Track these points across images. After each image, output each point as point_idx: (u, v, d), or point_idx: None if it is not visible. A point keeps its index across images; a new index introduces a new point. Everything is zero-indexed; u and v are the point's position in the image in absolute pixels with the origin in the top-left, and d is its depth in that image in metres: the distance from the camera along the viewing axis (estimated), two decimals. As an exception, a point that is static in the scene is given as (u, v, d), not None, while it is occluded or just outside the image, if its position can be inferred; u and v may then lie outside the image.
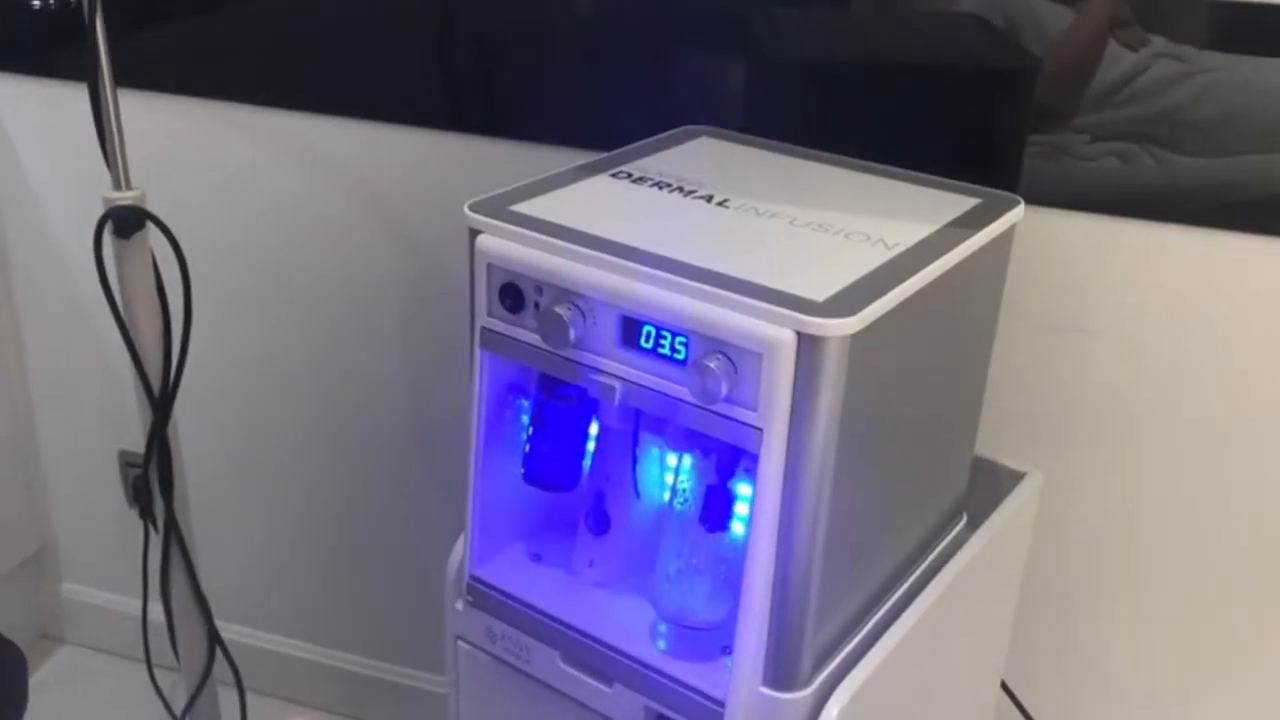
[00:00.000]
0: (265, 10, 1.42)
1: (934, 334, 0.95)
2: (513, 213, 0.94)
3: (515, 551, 1.06)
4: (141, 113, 1.45)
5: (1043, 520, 1.27)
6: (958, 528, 1.12)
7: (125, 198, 1.16)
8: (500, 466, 1.01)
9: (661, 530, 0.98)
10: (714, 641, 0.96)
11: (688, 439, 0.93)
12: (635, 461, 0.99)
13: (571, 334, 0.88)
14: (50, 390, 1.75)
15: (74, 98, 1.49)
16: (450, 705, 1.11)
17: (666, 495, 0.97)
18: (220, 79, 1.46)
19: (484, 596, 1.03)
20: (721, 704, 0.91)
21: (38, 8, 1.52)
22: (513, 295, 0.92)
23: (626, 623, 0.98)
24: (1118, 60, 1.15)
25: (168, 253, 1.19)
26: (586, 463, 1.00)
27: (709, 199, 0.98)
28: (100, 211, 1.17)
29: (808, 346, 0.80)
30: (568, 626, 0.99)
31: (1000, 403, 1.28)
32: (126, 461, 1.74)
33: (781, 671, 0.90)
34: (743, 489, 0.92)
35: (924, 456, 1.02)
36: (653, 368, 0.86)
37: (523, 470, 0.99)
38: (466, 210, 0.94)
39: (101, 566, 1.83)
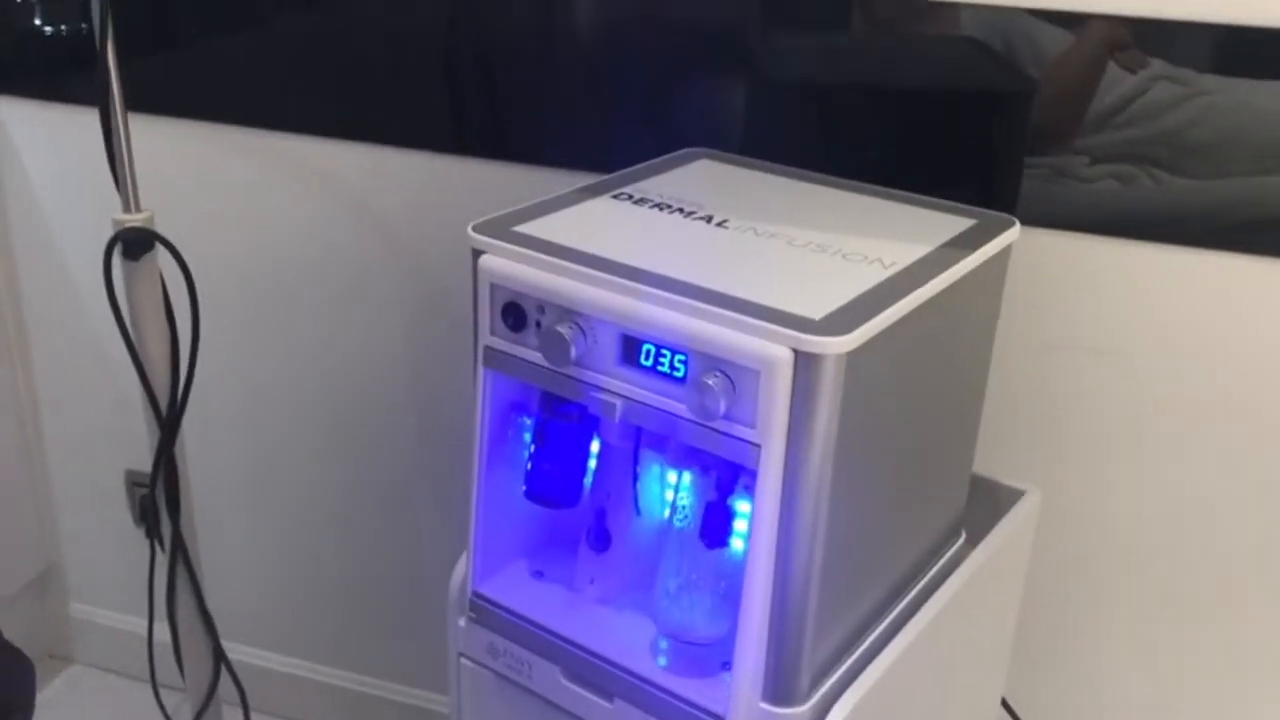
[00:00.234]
0: (272, 36, 1.44)
1: (930, 352, 0.96)
2: (515, 233, 0.95)
3: (517, 568, 1.06)
4: (150, 136, 1.47)
5: (1042, 538, 1.28)
6: (956, 545, 1.12)
7: (134, 220, 1.17)
8: (503, 484, 1.02)
9: (662, 547, 0.99)
10: (714, 657, 0.96)
11: (687, 456, 0.94)
12: (636, 479, 1.00)
13: (573, 352, 0.89)
14: (59, 410, 1.76)
15: (84, 121, 1.52)
16: (453, 722, 1.12)
17: (667, 512, 0.98)
18: (228, 103, 1.48)
19: (486, 613, 1.04)
20: (721, 719, 0.92)
21: (49, 34, 1.54)
22: (515, 314, 0.93)
23: (627, 639, 0.99)
24: (1117, 83, 1.16)
25: (176, 274, 1.21)
26: (588, 480, 1.01)
27: (709, 220, 1.00)
28: (109, 233, 1.18)
29: (804, 364, 0.81)
30: (569, 642, 0.99)
31: (1000, 421, 1.28)
32: (133, 481, 1.75)
33: (780, 687, 0.90)
34: (742, 506, 0.93)
35: (921, 473, 1.03)
36: (652, 385, 0.88)
37: (525, 487, 1.00)
38: (470, 231, 0.95)
39: (108, 586, 1.84)
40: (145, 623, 1.40)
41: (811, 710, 0.92)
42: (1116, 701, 1.38)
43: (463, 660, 1.08)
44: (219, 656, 1.37)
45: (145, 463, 1.28)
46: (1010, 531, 1.15)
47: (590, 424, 0.98)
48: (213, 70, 1.48)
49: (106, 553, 1.82)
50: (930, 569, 1.08)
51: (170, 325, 1.23)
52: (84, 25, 1.51)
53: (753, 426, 0.83)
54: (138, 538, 1.78)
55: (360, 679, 1.75)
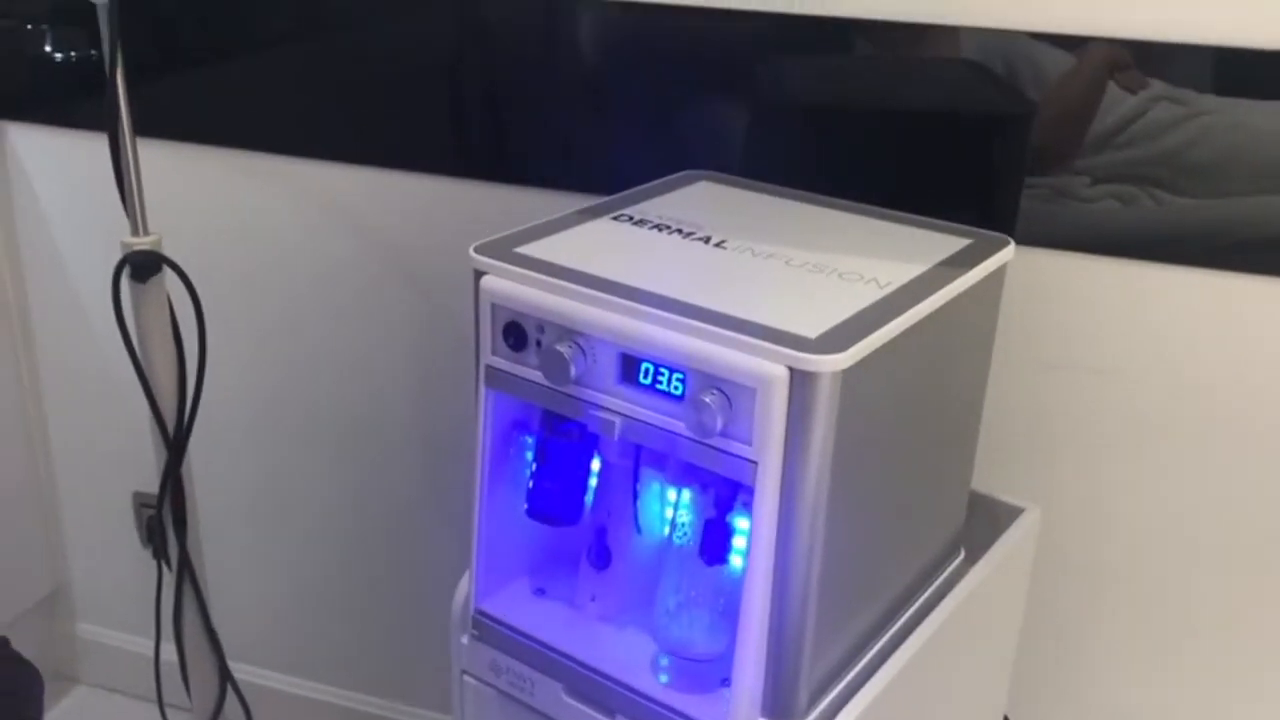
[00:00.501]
0: (278, 61, 1.46)
1: (925, 370, 0.97)
2: (516, 254, 0.96)
3: (519, 586, 1.07)
4: (158, 160, 1.48)
5: (1043, 556, 1.28)
6: (955, 562, 1.13)
7: (142, 243, 1.19)
8: (504, 502, 1.03)
9: (662, 564, 1.00)
10: (714, 673, 0.97)
11: (687, 474, 0.95)
12: (636, 496, 1.01)
13: (572, 371, 0.90)
14: (67, 432, 1.78)
15: (92, 147, 1.53)
16: (456, 740, 1.13)
17: (666, 529, 0.99)
18: (234, 127, 1.50)
19: (489, 631, 1.04)
20: (721, 735, 0.92)
21: (59, 60, 1.56)
22: (516, 334, 0.94)
23: (628, 656, 1.00)
24: (1117, 104, 1.17)
25: (183, 296, 1.22)
26: (588, 498, 1.01)
27: (707, 240, 1.01)
28: (118, 256, 1.20)
29: (800, 382, 0.82)
30: (570, 659, 1.00)
31: (1000, 439, 1.29)
32: (141, 502, 1.76)
33: (779, 703, 0.91)
34: (741, 523, 0.94)
35: (919, 490, 1.04)
36: (651, 403, 0.89)
37: (526, 505, 1.01)
38: (472, 252, 0.96)
39: (115, 607, 1.85)
40: (152, 643, 1.41)
41: (810, 726, 0.92)
42: (1119, 718, 1.38)
43: (465, 678, 1.08)
44: (225, 676, 1.37)
45: (152, 484, 1.29)
46: (1009, 548, 1.15)
47: (590, 442, 0.99)
48: (219, 95, 1.50)
49: (114, 574, 1.83)
50: (929, 586, 1.09)
51: (177, 347, 1.24)
52: (93, 52, 1.53)
53: (750, 444, 0.84)
54: (145, 559, 1.79)
55: (365, 699, 1.75)
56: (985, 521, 1.18)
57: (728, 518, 0.94)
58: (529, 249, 0.97)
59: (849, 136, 1.28)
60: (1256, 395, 1.22)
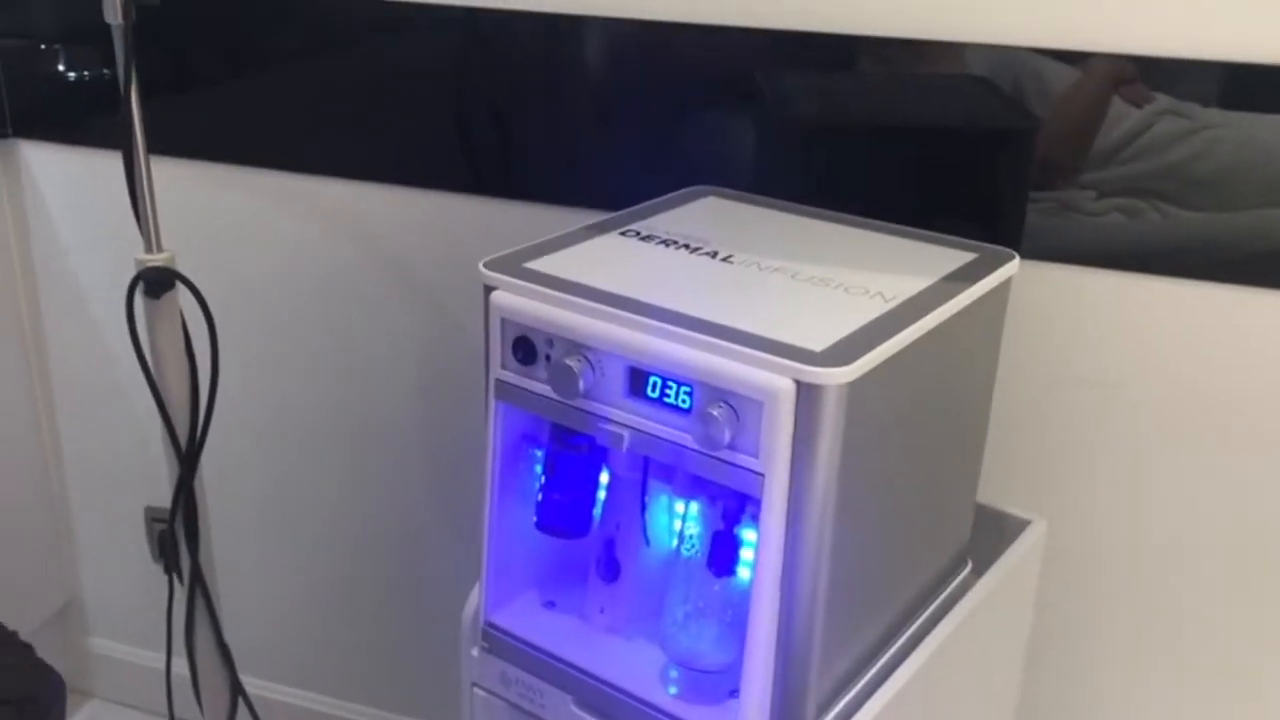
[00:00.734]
0: (289, 80, 1.47)
1: (931, 383, 0.97)
2: (525, 269, 0.97)
3: (529, 598, 1.08)
4: (170, 177, 1.50)
5: (1050, 569, 1.29)
6: (962, 574, 1.13)
7: (156, 259, 1.20)
8: (514, 515, 1.04)
9: (670, 576, 1.00)
10: (722, 685, 0.97)
11: (694, 486, 0.96)
12: (644, 509, 1.02)
13: (581, 385, 0.91)
14: (79, 447, 1.79)
15: (105, 165, 1.55)
16: (466, 752, 1.13)
17: (675, 542, 1.00)
18: (245, 145, 1.51)
19: (499, 642, 1.05)
20: (729, 746, 0.93)
21: (72, 79, 1.58)
22: (525, 348, 0.95)
23: (637, 667, 1.00)
24: (1123, 118, 1.17)
25: (196, 312, 1.23)
26: (597, 511, 1.02)
27: (714, 255, 1.02)
28: (131, 273, 1.21)
29: (806, 394, 0.83)
30: (580, 671, 1.01)
31: (1007, 452, 1.29)
32: (153, 517, 1.76)
33: (787, 713, 0.92)
34: (748, 534, 0.94)
35: (925, 502, 1.04)
36: (659, 416, 0.90)
37: (536, 518, 1.02)
38: (481, 268, 0.98)
39: (127, 621, 1.86)
40: (164, 657, 1.42)
41: (818, 736, 0.93)
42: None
43: (475, 690, 1.09)
44: (237, 689, 1.38)
45: (165, 499, 1.30)
46: (1016, 560, 1.16)
47: (599, 455, 1.00)
48: (231, 113, 1.51)
49: (126, 588, 1.84)
50: (936, 598, 1.09)
51: (190, 362, 1.25)
52: (106, 71, 1.55)
53: (757, 456, 0.85)
54: (156, 573, 1.79)
55: (375, 712, 1.76)
56: (992, 534, 1.18)
57: (735, 530, 0.95)
58: (538, 264, 0.98)
59: (855, 152, 1.28)
60: (1263, 408, 1.22)
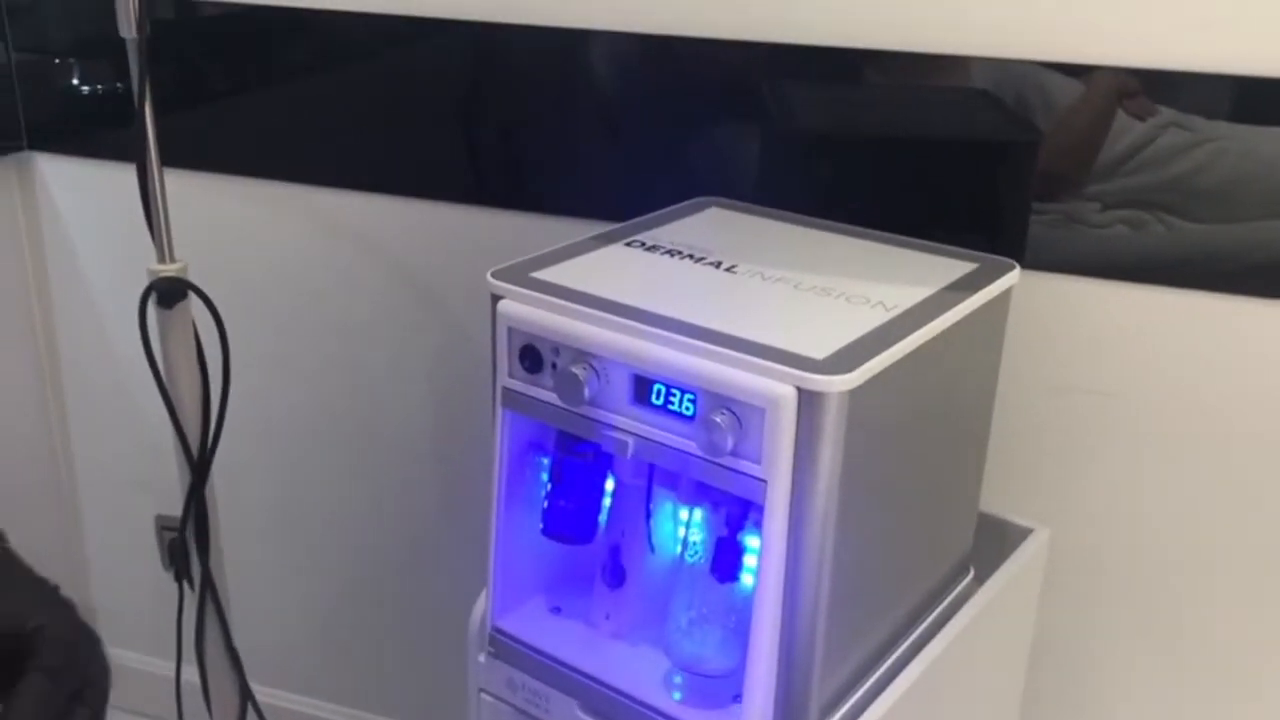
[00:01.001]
0: (298, 92, 1.49)
1: (932, 391, 0.98)
2: (532, 279, 0.98)
3: (535, 604, 1.09)
4: (181, 189, 1.51)
5: (1053, 578, 1.29)
6: (964, 581, 1.14)
7: (169, 270, 1.21)
8: (520, 522, 1.05)
9: (674, 582, 1.01)
10: (726, 690, 0.98)
11: (699, 493, 0.97)
12: (649, 516, 1.02)
13: (586, 392, 0.92)
14: (91, 457, 1.80)
15: (118, 176, 1.56)
16: (473, 758, 1.14)
17: (679, 548, 1.01)
18: (256, 157, 1.52)
19: (505, 648, 1.06)
20: (732, 750, 0.94)
21: (86, 93, 1.60)
22: (531, 356, 0.96)
23: (642, 672, 1.01)
24: (1126, 130, 1.18)
25: (206, 321, 1.25)
26: (603, 517, 1.03)
27: (717, 265, 1.03)
28: (143, 283, 1.22)
29: (808, 401, 0.84)
30: (586, 676, 1.01)
31: (1011, 461, 1.30)
32: (163, 526, 1.78)
33: (790, 717, 0.92)
34: (752, 541, 0.95)
35: (927, 510, 1.05)
36: (663, 423, 0.91)
37: (542, 525, 1.03)
38: (489, 277, 0.99)
39: (137, 629, 1.87)
40: (173, 665, 1.43)
41: (821, 741, 0.94)
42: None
43: (482, 695, 1.10)
44: (245, 693, 1.39)
45: (175, 508, 1.31)
46: (1018, 568, 1.16)
47: (604, 463, 1.01)
48: (242, 127, 1.53)
49: (136, 597, 1.85)
50: (938, 605, 1.10)
51: (202, 371, 1.26)
52: (119, 84, 1.56)
53: (759, 462, 0.86)
54: (166, 581, 1.80)
55: (386, 721, 1.77)
56: (995, 542, 1.19)
57: (739, 536, 0.96)
58: (544, 274, 1.00)
59: (859, 164, 1.29)
60: (1264, 416, 1.22)
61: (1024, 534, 1.21)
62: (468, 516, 1.60)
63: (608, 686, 1.00)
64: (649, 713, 0.98)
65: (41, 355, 1.75)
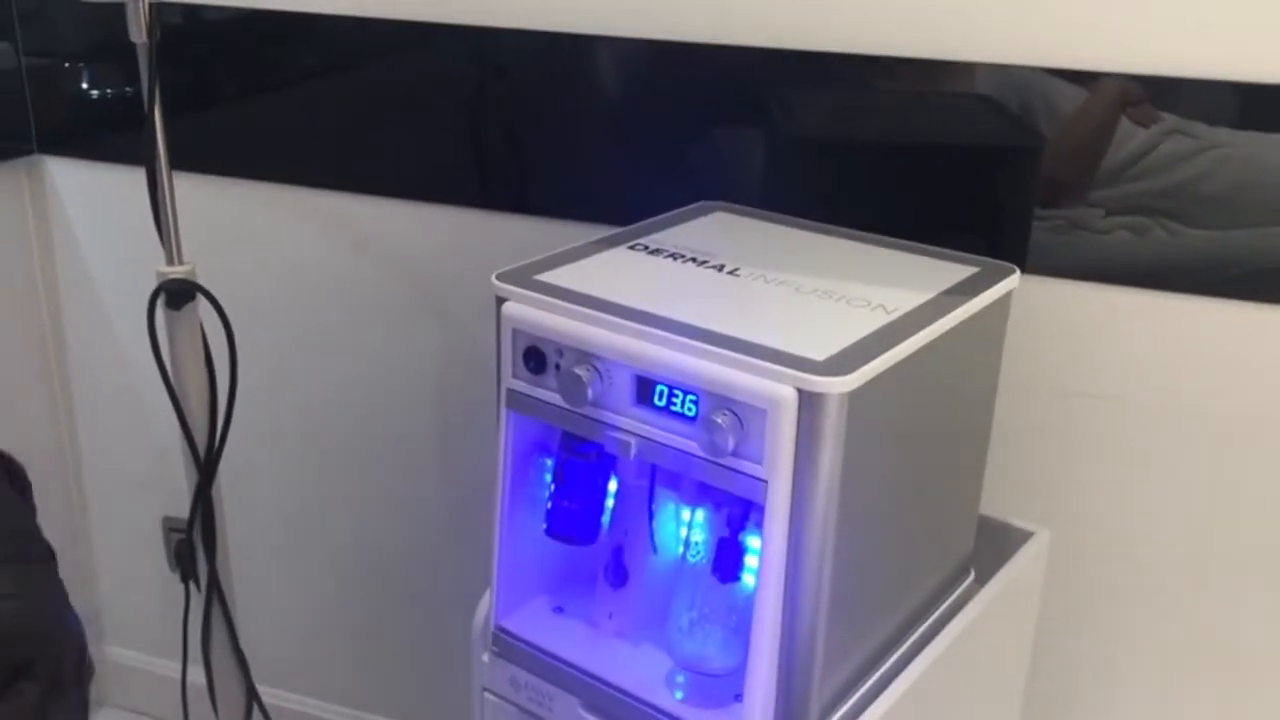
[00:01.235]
0: (305, 97, 1.50)
1: (932, 393, 0.99)
2: (536, 282, 0.99)
3: (539, 604, 1.10)
4: (189, 192, 1.52)
5: (1055, 581, 1.30)
6: (965, 583, 1.15)
7: (177, 271, 1.22)
8: (524, 522, 1.06)
9: (677, 582, 1.02)
10: (727, 689, 0.99)
11: (701, 494, 0.98)
12: (651, 516, 1.03)
13: (589, 393, 0.93)
14: (99, 458, 1.81)
15: (127, 179, 1.58)
16: (476, 757, 1.15)
17: (681, 548, 1.02)
18: (264, 161, 1.53)
19: (509, 647, 1.07)
20: (733, 748, 0.95)
21: (95, 97, 1.61)
22: (535, 358, 0.97)
23: (644, 671, 1.02)
24: (1130, 137, 1.19)
25: (213, 323, 1.26)
26: (606, 518, 1.04)
27: (720, 268, 1.04)
28: (151, 285, 1.23)
29: (809, 402, 0.85)
30: (588, 675, 1.02)
31: (1013, 464, 1.30)
32: (170, 527, 1.79)
33: (790, 716, 0.93)
34: (753, 541, 0.96)
35: (927, 511, 1.06)
36: (665, 424, 0.92)
37: (545, 525, 1.04)
38: (494, 280, 1.00)
39: (143, 630, 1.88)
40: (179, 666, 1.44)
41: (821, 740, 0.95)
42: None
43: (486, 694, 1.11)
44: (251, 693, 1.40)
45: (181, 509, 1.32)
46: (1018, 571, 1.17)
47: (608, 464, 1.02)
48: (249, 130, 1.54)
49: (142, 598, 1.86)
50: (939, 606, 1.11)
51: (209, 371, 1.27)
52: (127, 89, 1.57)
53: (760, 463, 0.87)
54: (172, 582, 1.82)
55: (390, 722, 1.78)
56: (995, 544, 1.19)
57: (740, 536, 0.97)
58: (548, 276, 1.01)
59: (863, 170, 1.30)
60: (1264, 421, 1.23)
61: (1025, 536, 1.21)
62: (472, 518, 1.60)
63: (610, 685, 1.01)
64: (651, 711, 0.99)
65: (50, 356, 1.76)
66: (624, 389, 0.93)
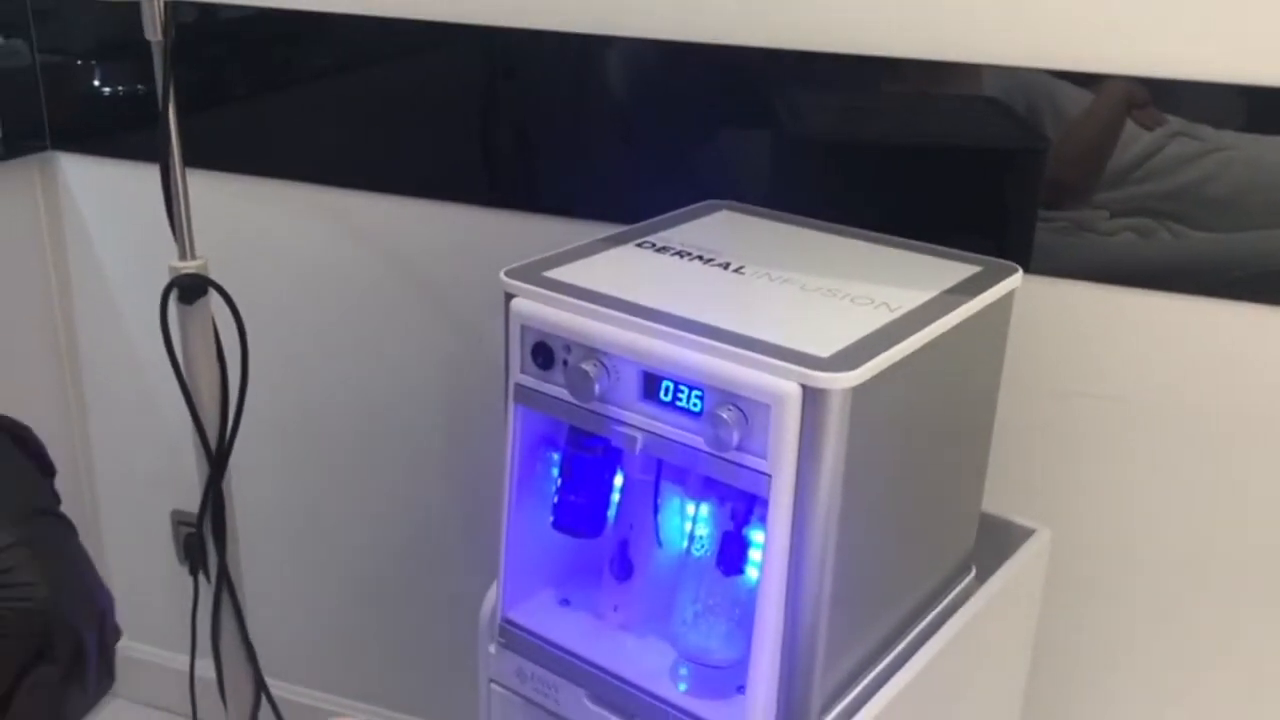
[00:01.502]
0: (317, 95, 1.51)
1: (934, 390, 1.00)
2: (545, 278, 1.01)
3: (545, 596, 1.11)
4: (201, 189, 1.53)
5: (1057, 579, 1.30)
6: (966, 580, 1.16)
7: (189, 267, 1.24)
8: (531, 515, 1.07)
9: (681, 576, 1.04)
10: (730, 680, 1.00)
11: (705, 488, 0.99)
12: (657, 511, 1.05)
13: (596, 388, 0.94)
14: (109, 452, 1.82)
15: (139, 175, 1.59)
16: (483, 748, 1.16)
17: (685, 542, 1.03)
18: (276, 159, 1.55)
19: (515, 638, 1.08)
20: (736, 738, 0.96)
21: (107, 94, 1.62)
22: (544, 353, 0.99)
23: (649, 663, 1.03)
24: (1135, 139, 1.19)
25: (224, 319, 1.27)
26: (611, 512, 1.05)
27: (726, 266, 1.05)
28: (163, 280, 1.24)
29: (812, 398, 0.86)
30: (593, 666, 1.04)
31: (1017, 463, 1.31)
32: (179, 521, 1.80)
33: (793, 709, 0.94)
34: (757, 535, 0.97)
35: (929, 507, 1.07)
36: (671, 419, 0.93)
37: (552, 519, 1.05)
38: (503, 276, 1.01)
39: (153, 623, 1.89)
40: (187, 658, 1.45)
41: (823, 731, 0.96)
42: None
43: (492, 685, 1.12)
44: (259, 684, 1.41)
45: (190, 504, 1.33)
46: (1019, 568, 1.18)
47: (614, 458, 1.03)
48: (262, 129, 1.55)
49: (151, 591, 1.87)
50: (940, 601, 1.12)
51: (221, 365, 1.29)
52: (140, 86, 1.59)
53: (764, 457, 0.88)
54: (181, 576, 1.83)
55: (395, 716, 1.78)
56: (997, 542, 1.20)
57: (744, 531, 0.98)
58: (557, 273, 1.02)
59: (869, 170, 1.31)
60: (1267, 423, 1.23)
61: (1026, 534, 1.22)
62: (479, 512, 1.61)
63: (615, 677, 1.02)
64: (655, 702, 1.00)
65: (62, 352, 1.77)
66: (630, 384, 0.94)
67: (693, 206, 1.23)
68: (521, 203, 1.45)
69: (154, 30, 1.16)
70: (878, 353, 0.89)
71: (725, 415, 0.88)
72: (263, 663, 1.42)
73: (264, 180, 1.56)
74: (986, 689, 1.23)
